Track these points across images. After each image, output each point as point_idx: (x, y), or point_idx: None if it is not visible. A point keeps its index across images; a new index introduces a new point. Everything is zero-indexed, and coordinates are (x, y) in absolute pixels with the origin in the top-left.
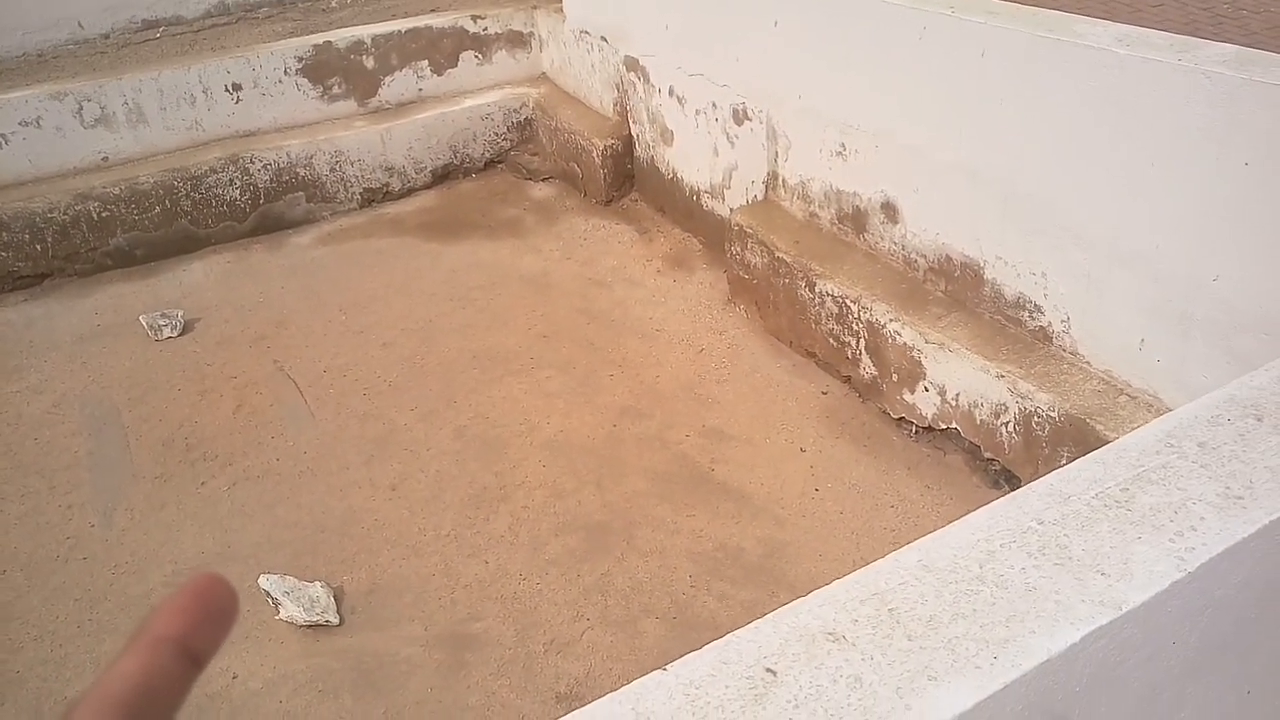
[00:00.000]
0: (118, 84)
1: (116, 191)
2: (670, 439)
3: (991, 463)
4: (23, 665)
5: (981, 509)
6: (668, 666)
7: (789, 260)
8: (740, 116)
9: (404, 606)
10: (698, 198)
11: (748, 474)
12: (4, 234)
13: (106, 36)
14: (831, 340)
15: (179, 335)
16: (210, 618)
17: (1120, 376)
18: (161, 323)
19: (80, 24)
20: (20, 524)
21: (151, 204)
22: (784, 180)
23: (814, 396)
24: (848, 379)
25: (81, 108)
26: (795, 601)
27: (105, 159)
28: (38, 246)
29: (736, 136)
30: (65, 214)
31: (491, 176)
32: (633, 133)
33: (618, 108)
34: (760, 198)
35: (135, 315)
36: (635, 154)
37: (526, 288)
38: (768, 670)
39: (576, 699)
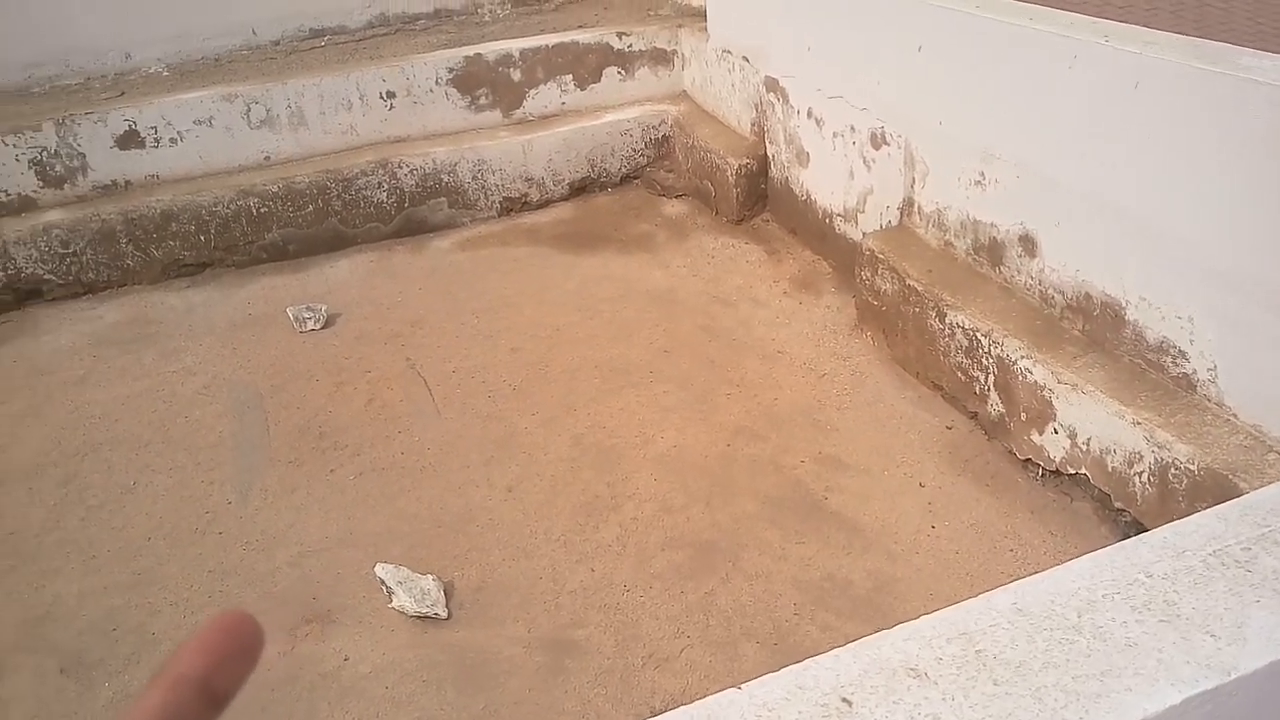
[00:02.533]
0: (283, 88)
1: (275, 189)
2: (784, 463)
3: (1121, 513)
4: (159, 628)
5: (1085, 556)
6: (743, 686)
7: (920, 289)
8: (878, 140)
9: (510, 607)
10: (830, 220)
11: (862, 505)
12: (173, 224)
13: (276, 43)
14: (959, 374)
15: (321, 328)
16: (234, 657)
17: (1271, 432)
18: (306, 315)
19: (254, 31)
20: (166, 496)
21: (305, 203)
22: (920, 207)
23: (937, 431)
24: (974, 415)
25: (249, 109)
26: (878, 633)
27: (267, 158)
28: (202, 238)
29: (873, 160)
30: (228, 208)
31: (627, 191)
32: (768, 153)
33: (755, 128)
34: (894, 224)
35: (283, 307)
36: (770, 174)
37: (652, 302)
38: (844, 700)
39: None
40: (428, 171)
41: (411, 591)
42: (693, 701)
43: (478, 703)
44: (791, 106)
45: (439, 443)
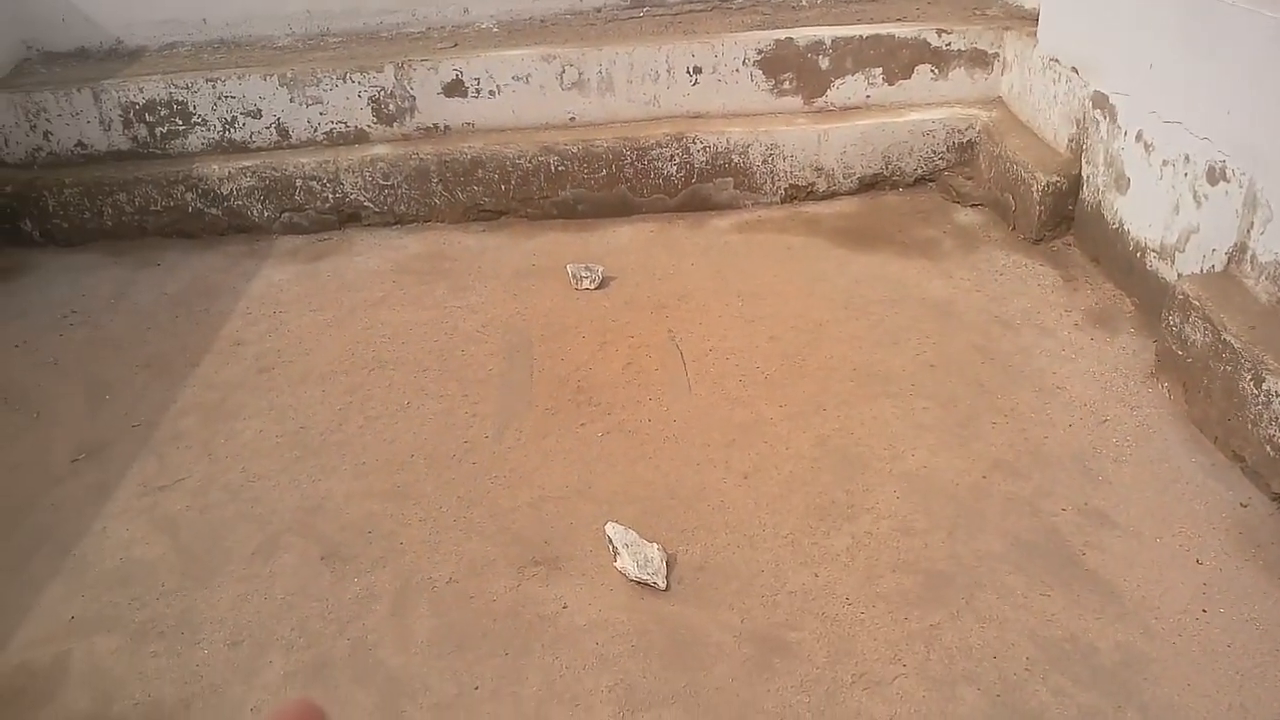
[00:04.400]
0: (597, 54)
1: (575, 150)
2: (1043, 507)
3: None
4: (406, 540)
5: None
6: None
7: (1238, 346)
8: (1216, 175)
9: (728, 593)
10: (1142, 255)
11: (1125, 570)
12: (479, 171)
13: (599, 10)
14: (1269, 448)
15: (595, 289)
16: None
17: None
18: (584, 274)
19: None
20: (434, 420)
21: (600, 166)
22: (1253, 255)
23: (1229, 506)
24: (1277, 497)
25: (564, 71)
26: None
27: (572, 119)
28: (502, 187)
29: (1206, 197)
30: (530, 163)
31: (918, 193)
32: (1083, 173)
33: (1072, 144)
34: (1218, 269)
35: (564, 263)
36: (1080, 196)
37: (926, 312)
38: None
39: None
40: (720, 150)
41: (636, 556)
42: None
43: (680, 680)
44: (1119, 126)
45: (685, 417)
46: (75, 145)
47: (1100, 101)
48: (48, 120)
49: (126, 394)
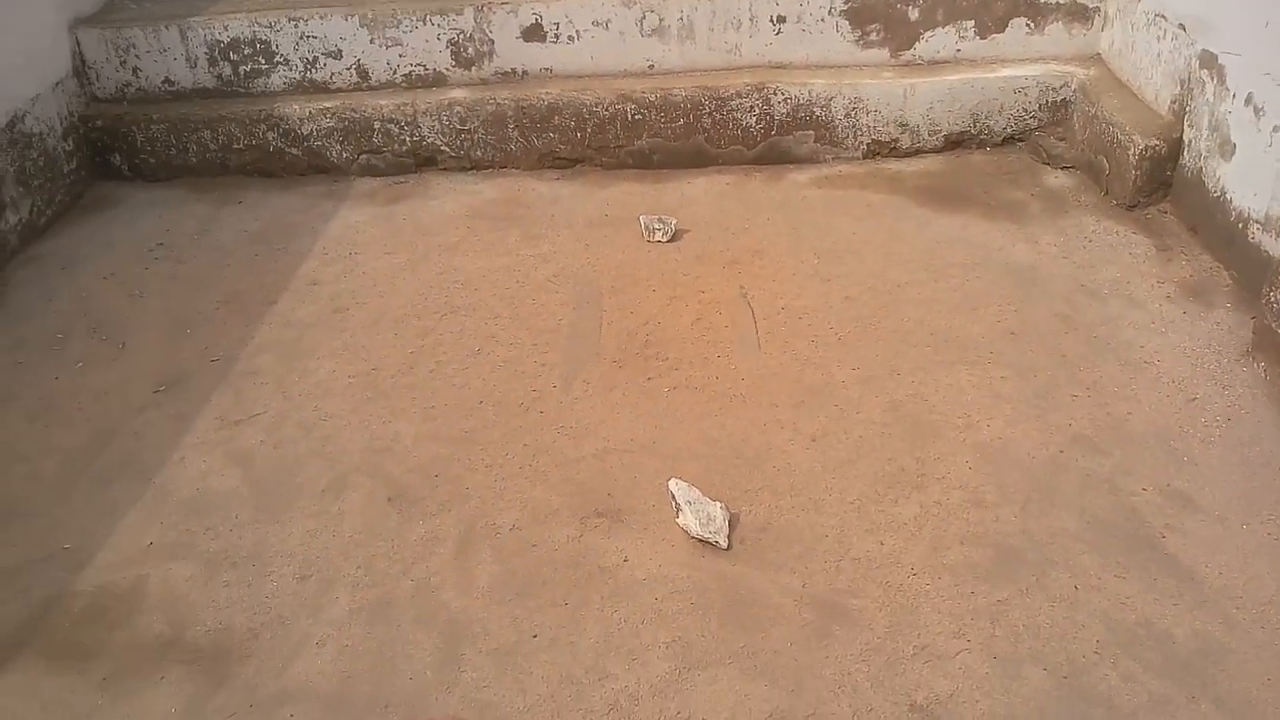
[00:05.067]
0: (679, 0)
1: (652, 99)
2: (1123, 486)
3: None
4: (471, 485)
5: None
6: None
7: None
8: None
9: (790, 556)
10: (1244, 226)
11: (1206, 555)
12: (556, 118)
13: None
14: None
15: (667, 241)
16: None
17: None
18: (656, 226)
19: None
20: (503, 368)
21: (678, 116)
22: None
23: None
24: None
25: (644, 17)
26: None
27: (651, 67)
28: (579, 135)
29: None
30: (607, 110)
31: (1006, 153)
32: (1184, 137)
33: (1174, 106)
34: None
35: (636, 214)
36: (1180, 161)
37: (1008, 277)
38: None
39: (932, 717)
40: (801, 102)
41: (698, 513)
42: (961, 710)
43: (737, 640)
44: (1227, 89)
45: (754, 375)
46: (163, 82)
47: (1208, 61)
48: (136, 56)
49: (206, 329)
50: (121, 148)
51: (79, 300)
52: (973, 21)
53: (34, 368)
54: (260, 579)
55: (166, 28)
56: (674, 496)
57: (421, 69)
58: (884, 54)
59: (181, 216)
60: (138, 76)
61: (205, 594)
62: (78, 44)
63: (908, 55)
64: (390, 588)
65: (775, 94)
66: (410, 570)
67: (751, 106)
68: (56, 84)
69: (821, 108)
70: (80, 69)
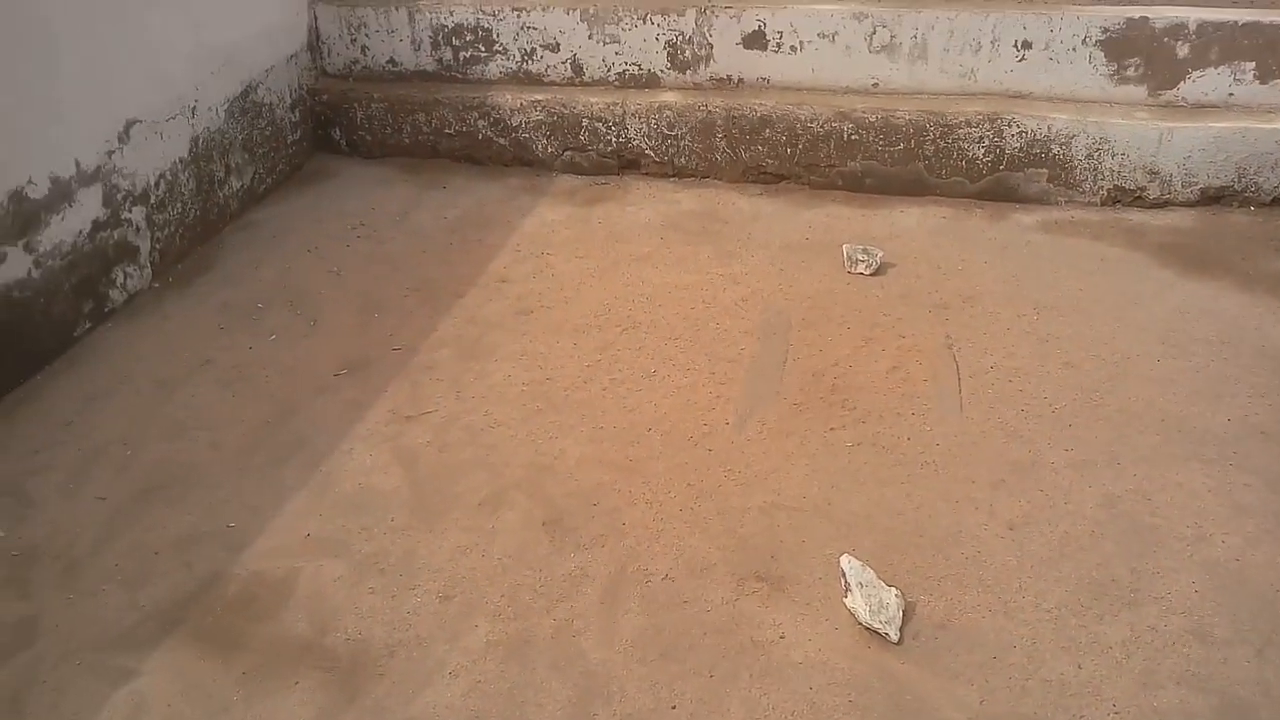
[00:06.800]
0: (915, 17)
1: (872, 119)
2: None
3: None
4: (629, 520)
5: None
6: None
7: None
8: None
9: (969, 663)
10: None
11: None
12: (766, 131)
13: None
14: None
15: (870, 274)
16: None
17: None
18: (860, 257)
19: None
20: (677, 395)
21: (898, 140)
22: None
23: None
24: None
25: (874, 32)
26: None
27: (875, 85)
28: (788, 150)
29: None
30: (822, 127)
31: (1274, 216)
32: None
33: None
34: None
35: (840, 241)
36: None
37: (1264, 363)
38: None
39: None
40: (1038, 137)
41: (870, 598)
42: None
43: None
44: None
45: (951, 442)
46: (387, 62)
47: None
48: (366, 35)
49: (394, 315)
50: (342, 123)
51: (282, 271)
52: (1254, 64)
53: (232, 333)
54: (405, 591)
55: (396, 9)
56: (845, 574)
57: (635, 68)
58: (1140, 91)
59: (387, 197)
60: (365, 55)
61: (350, 598)
62: (315, 19)
63: (1168, 95)
64: (532, 624)
65: (1009, 125)
66: (554, 608)
67: (981, 137)
68: (291, 56)
69: (1061, 145)
70: (314, 44)
